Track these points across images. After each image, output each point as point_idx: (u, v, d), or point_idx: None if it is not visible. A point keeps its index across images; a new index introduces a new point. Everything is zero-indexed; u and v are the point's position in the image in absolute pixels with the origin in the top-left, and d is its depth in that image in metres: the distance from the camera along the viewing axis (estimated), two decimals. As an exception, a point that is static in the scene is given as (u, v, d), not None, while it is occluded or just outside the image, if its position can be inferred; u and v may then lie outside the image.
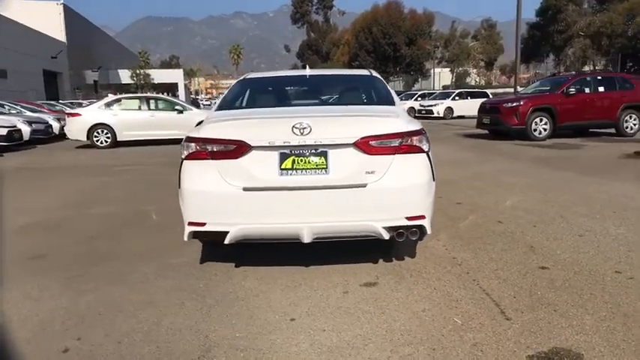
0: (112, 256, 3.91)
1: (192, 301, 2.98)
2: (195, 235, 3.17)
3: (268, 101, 3.83)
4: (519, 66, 20.91)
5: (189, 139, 3.15)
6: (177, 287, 3.22)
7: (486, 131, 13.75)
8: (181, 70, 71.06)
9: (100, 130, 13.14)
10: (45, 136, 15.35)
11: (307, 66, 4.01)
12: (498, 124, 12.44)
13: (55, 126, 16.14)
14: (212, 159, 3.04)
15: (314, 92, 4.17)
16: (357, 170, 2.99)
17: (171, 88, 54.81)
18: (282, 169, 3.00)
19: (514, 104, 12.06)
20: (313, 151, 2.99)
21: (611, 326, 2.49)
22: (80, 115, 13.39)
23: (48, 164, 10.68)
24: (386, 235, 3.04)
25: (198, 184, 3.08)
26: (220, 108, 3.58)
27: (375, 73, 4.18)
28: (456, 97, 27.25)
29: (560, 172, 7.44)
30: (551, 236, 4.05)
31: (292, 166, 2.99)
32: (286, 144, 2.96)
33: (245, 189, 2.98)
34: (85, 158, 11.42)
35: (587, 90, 12.11)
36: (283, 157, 3.00)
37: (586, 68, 35.64)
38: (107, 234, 4.59)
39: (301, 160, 2.99)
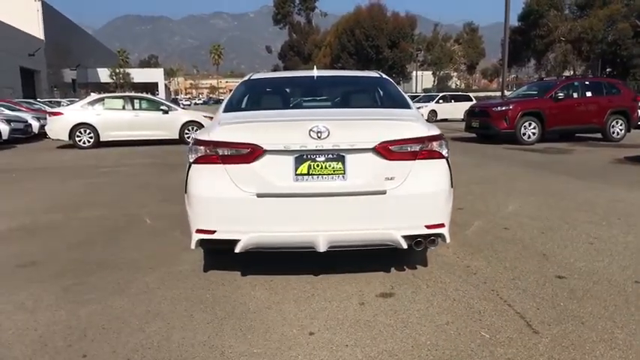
0: (109, 263, 3.70)
1: (201, 313, 2.81)
2: (202, 242, 3.00)
3: (278, 103, 3.68)
4: (506, 70, 21.12)
5: (198, 142, 2.97)
6: (183, 298, 3.04)
7: (474, 134, 13.80)
8: (162, 70, 70.10)
9: (82, 130, 12.74)
10: (24, 136, 14.85)
11: (315, 67, 3.86)
12: (488, 127, 12.50)
13: (35, 125, 15.62)
14: (223, 163, 2.88)
15: (324, 94, 4.04)
16: (376, 176, 2.87)
17: (151, 88, 53.97)
18: (297, 175, 2.85)
19: (503, 108, 12.13)
20: (330, 155, 2.86)
21: (644, 340, 2.42)
22: (62, 114, 12.97)
23: (30, 165, 10.27)
24: (404, 245, 2.93)
25: (207, 189, 2.91)
26: (228, 110, 3.41)
27: (384, 75, 4.07)
28: (440, 101, 27.45)
29: (556, 176, 7.45)
30: (561, 244, 3.99)
31: (308, 171, 2.85)
32: (303, 148, 2.82)
33: (259, 195, 2.83)
34: (68, 159, 11.04)
35: (574, 95, 12.27)
36: (299, 162, 2.85)
37: (567, 73, 36.31)
38: (100, 239, 4.36)
39: (317, 166, 2.85)
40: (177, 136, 13.38)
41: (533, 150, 11.06)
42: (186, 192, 3.10)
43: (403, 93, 3.75)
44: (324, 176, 2.86)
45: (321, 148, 2.81)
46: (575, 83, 12.64)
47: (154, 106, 13.72)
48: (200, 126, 13.47)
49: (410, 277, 3.32)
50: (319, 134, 2.80)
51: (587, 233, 4.26)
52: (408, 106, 3.44)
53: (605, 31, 33.08)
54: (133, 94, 15.38)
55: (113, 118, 13.10)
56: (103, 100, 13.58)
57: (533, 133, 11.95)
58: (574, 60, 36.10)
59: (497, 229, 4.46)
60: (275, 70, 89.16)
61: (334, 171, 2.86)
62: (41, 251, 4.02)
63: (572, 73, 35.86)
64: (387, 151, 2.85)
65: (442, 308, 2.84)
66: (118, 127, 13.08)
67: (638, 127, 13.77)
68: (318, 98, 4.01)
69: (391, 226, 2.88)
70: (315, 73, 3.89)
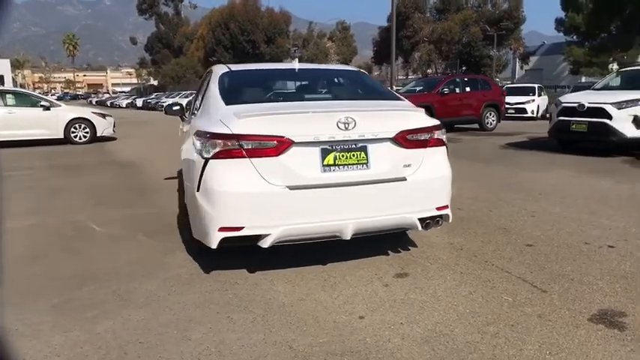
0: (87, 275, 3.31)
1: (238, 314, 2.72)
2: (225, 240, 2.88)
3: (281, 95, 3.61)
4: (394, 68, 22.65)
5: (215, 136, 2.84)
6: (204, 301, 2.89)
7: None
8: (7, 61, 60.91)
9: (-62, 131, 10.70)
10: None
11: (297, 59, 3.85)
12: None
13: None
14: (249, 157, 2.80)
15: (316, 86, 4.06)
16: (395, 164, 3.04)
17: (-8, 82, 46.58)
18: (324, 166, 2.90)
19: (399, 102, 13.11)
20: (353, 146, 2.96)
21: (623, 287, 2.97)
22: None
23: None
24: (420, 227, 3.16)
25: (234, 185, 2.80)
26: (231, 102, 3.22)
27: (361, 70, 4.24)
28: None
29: (463, 161, 8.35)
30: (510, 218, 4.59)
31: (334, 162, 2.92)
32: (331, 139, 2.87)
33: (291, 188, 2.81)
34: None
35: (457, 90, 13.78)
36: (325, 153, 2.90)
37: (430, 71, 40.35)
38: (54, 251, 3.86)
39: (343, 156, 2.94)
40: (61, 135, 11.96)
41: (429, 140, 12.16)
42: (199, 190, 2.94)
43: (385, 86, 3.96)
44: (349, 166, 2.95)
45: (348, 138, 2.90)
46: (457, 79, 14.22)
47: (32, 101, 12.06)
48: (89, 123, 12.26)
49: (411, 257, 3.57)
50: (347, 125, 2.88)
51: (524, 208, 4.95)
52: (400, 98, 3.66)
53: (461, 33, 37.53)
54: (3, 87, 13.28)
55: (-21, 115, 11.23)
56: (-37, 95, 11.54)
57: (425, 125, 13.12)
58: (436, 59, 40.20)
59: (453, 210, 4.91)
60: (142, 62, 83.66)
61: (358, 160, 2.96)
62: (-10, 271, 3.43)
63: (434, 70, 39.91)
64: (404, 140, 3.05)
65: (457, 281, 3.13)
66: (-13, 126, 11.24)
67: (506, 119, 15.95)
68: (313, 91, 4.02)
69: (409, 210, 3.09)
70: (297, 66, 3.90)
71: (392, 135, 3.01)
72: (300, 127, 2.85)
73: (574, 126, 8.44)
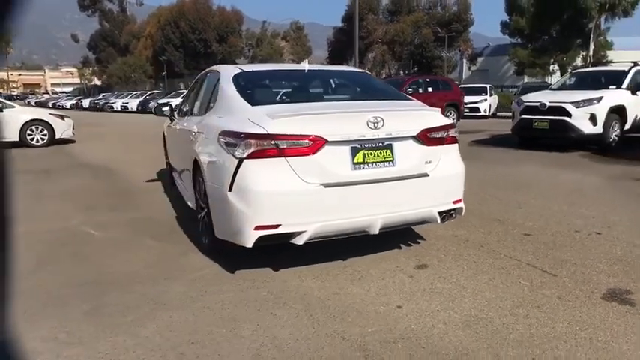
0: (107, 279, 3.26)
1: (279, 310, 2.78)
2: (261, 239, 2.94)
3: (303, 95, 3.66)
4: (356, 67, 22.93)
5: (250, 136, 2.88)
6: (242, 299, 2.93)
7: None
8: None
9: None
10: None
11: (307, 61, 3.93)
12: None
13: None
14: (284, 156, 2.87)
15: (331, 87, 4.14)
16: (418, 161, 3.21)
17: None
18: (354, 164, 3.02)
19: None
20: (381, 144, 3.09)
21: (621, 268, 3.29)
22: None
23: None
24: (439, 220, 3.34)
25: (270, 183, 2.87)
26: (256, 103, 3.25)
27: (366, 71, 4.38)
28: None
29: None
30: (501, 210, 4.89)
31: (363, 160, 3.05)
32: (361, 138, 2.99)
33: (325, 185, 2.91)
34: None
35: (420, 90, 14.28)
36: (354, 152, 3.02)
37: (384, 72, 41.31)
38: (63, 257, 3.74)
39: (371, 154, 3.06)
40: (17, 138, 11.33)
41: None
42: (231, 190, 2.97)
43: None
44: (377, 164, 3.08)
45: (376, 137, 3.03)
46: (420, 80, 14.76)
47: (-18, 103, 11.36)
48: (47, 125, 11.69)
49: (423, 250, 3.75)
50: (376, 124, 3.01)
51: (510, 201, 5.28)
52: (410, 98, 3.84)
53: (413, 35, 38.73)
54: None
55: None
56: None
57: (391, 124, 13.52)
58: (390, 60, 41.20)
59: (444, 205, 5.17)
60: (85, 61, 79.93)
61: (385, 158, 3.10)
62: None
63: (388, 71, 40.87)
64: (426, 138, 3.22)
65: (474, 270, 3.34)
66: None
67: (465, 117, 16.67)
68: (329, 91, 4.09)
69: (431, 205, 3.27)
70: (307, 67, 3.99)
71: (415, 133, 3.18)
72: (333, 127, 2.95)
73: (536, 124, 9.00)
